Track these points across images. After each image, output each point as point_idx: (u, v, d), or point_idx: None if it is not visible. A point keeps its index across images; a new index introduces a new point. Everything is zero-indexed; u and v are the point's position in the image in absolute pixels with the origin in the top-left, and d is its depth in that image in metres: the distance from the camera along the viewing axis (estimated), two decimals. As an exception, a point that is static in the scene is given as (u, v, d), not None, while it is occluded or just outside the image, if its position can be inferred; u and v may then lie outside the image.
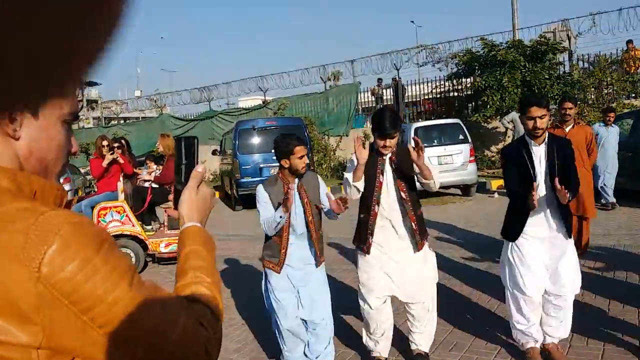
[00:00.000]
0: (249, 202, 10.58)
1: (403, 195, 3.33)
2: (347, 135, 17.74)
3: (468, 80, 15.97)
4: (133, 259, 6.75)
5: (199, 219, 1.07)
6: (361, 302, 3.46)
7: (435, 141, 11.69)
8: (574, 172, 3.39)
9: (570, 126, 5.56)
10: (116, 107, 31.76)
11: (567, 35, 14.68)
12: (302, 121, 13.84)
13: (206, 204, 1.09)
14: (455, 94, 17.16)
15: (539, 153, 3.35)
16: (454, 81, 16.48)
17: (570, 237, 3.42)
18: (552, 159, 3.29)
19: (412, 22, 78.95)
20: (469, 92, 16.06)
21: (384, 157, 3.35)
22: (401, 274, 3.34)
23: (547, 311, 3.44)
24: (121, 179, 6.93)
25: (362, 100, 19.85)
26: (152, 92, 27.37)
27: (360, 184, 3.30)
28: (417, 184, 3.46)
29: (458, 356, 3.61)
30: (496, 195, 11.37)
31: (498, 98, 13.54)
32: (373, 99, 19.81)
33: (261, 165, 12.18)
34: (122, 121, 29.52)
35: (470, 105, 16.18)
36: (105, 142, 7.06)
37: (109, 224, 6.64)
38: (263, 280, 3.44)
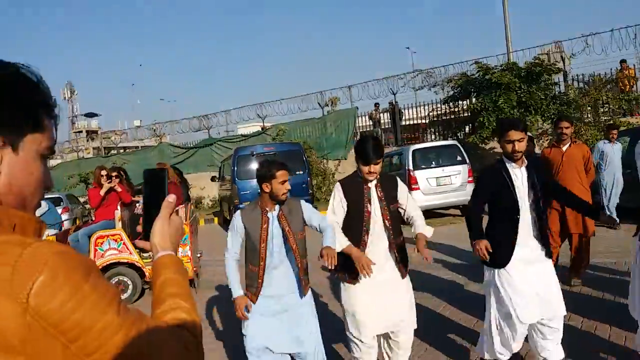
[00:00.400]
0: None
1: (387, 223, 3.29)
2: (345, 159, 17.80)
3: (464, 102, 16.10)
4: (130, 287, 6.69)
5: (172, 247, 1.07)
6: (350, 337, 3.33)
7: (434, 163, 11.72)
8: (558, 184, 3.48)
9: (567, 145, 5.58)
10: (115, 137, 31.97)
11: (561, 56, 14.87)
12: (300, 146, 13.92)
13: (178, 233, 1.10)
14: (452, 116, 17.28)
15: (520, 175, 3.36)
16: (451, 104, 16.62)
17: (550, 257, 3.42)
18: (532, 180, 3.33)
19: (408, 48, 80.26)
20: (466, 114, 16.17)
21: (370, 185, 3.31)
22: (391, 303, 3.26)
23: (544, 336, 3.34)
24: (119, 207, 6.92)
25: (360, 125, 19.99)
26: (151, 121, 27.54)
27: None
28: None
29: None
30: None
31: (494, 119, 13.62)
32: (371, 123, 19.94)
33: (259, 191, 12.18)
34: (121, 150, 29.66)
35: (467, 127, 16.27)
36: (104, 172, 7.07)
37: (106, 252, 6.60)
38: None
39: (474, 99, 14.98)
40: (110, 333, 0.76)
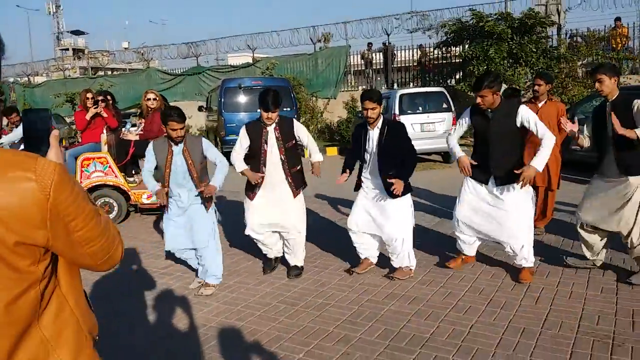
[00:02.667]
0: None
1: (282, 157, 4.43)
2: (334, 98, 17.77)
3: (457, 49, 16.00)
4: (115, 209, 6.94)
5: None
6: (247, 231, 4.67)
7: (420, 108, 11.84)
8: (407, 150, 4.36)
9: (543, 102, 5.76)
10: (103, 58, 31.22)
11: (557, 9, 14.71)
12: (288, 82, 13.89)
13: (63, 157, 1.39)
14: (444, 62, 17.21)
15: (372, 136, 4.39)
16: (443, 49, 16.51)
17: (393, 197, 4.33)
18: (381, 140, 4.32)
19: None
20: (457, 61, 16.12)
21: (268, 129, 4.40)
22: (280, 212, 4.49)
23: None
24: (105, 130, 7.03)
25: (352, 64, 19.79)
26: (139, 44, 26.87)
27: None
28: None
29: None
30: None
31: (484, 69, 13.63)
32: (362, 63, 19.76)
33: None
34: (109, 72, 29.09)
35: (458, 74, 16.25)
36: (89, 95, 7.11)
37: (92, 174, 6.79)
38: None
39: (466, 46, 14.90)
40: (91, 217, 1.17)
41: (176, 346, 3.46)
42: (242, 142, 4.50)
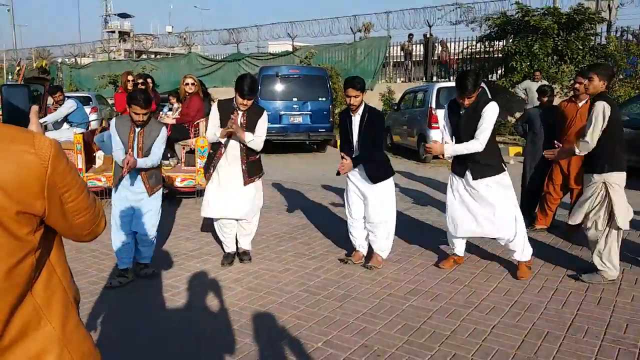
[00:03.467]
0: (267, 146, 10.82)
1: (242, 144, 4.49)
2: (371, 90, 17.64)
3: (500, 43, 15.62)
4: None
5: None
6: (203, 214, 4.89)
7: (457, 103, 11.64)
8: (376, 139, 4.59)
9: (584, 101, 5.55)
10: (147, 41, 31.84)
11: (609, 5, 14.15)
12: (325, 72, 13.84)
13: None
14: (486, 56, 16.83)
15: (355, 122, 4.55)
16: (486, 43, 16.13)
17: (374, 182, 4.53)
18: (361, 127, 4.50)
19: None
20: (500, 56, 15.74)
21: (238, 112, 4.47)
22: (232, 197, 4.58)
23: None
24: (143, 113, 7.19)
25: (392, 55, 19.57)
26: (182, 29, 27.29)
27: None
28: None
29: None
30: (512, 162, 11.40)
31: (527, 64, 13.28)
32: (402, 54, 19.51)
33: (281, 113, 12.34)
34: (152, 56, 29.68)
35: (500, 69, 15.88)
36: (130, 78, 7.30)
37: (129, 155, 6.96)
38: None
39: (510, 41, 14.52)
40: (82, 189, 1.28)
41: (199, 329, 3.55)
42: (214, 120, 4.55)
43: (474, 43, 16.81)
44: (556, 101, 6.47)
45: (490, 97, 4.49)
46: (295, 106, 12.35)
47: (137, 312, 3.79)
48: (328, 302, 3.95)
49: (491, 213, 4.34)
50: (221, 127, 4.44)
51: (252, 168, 4.64)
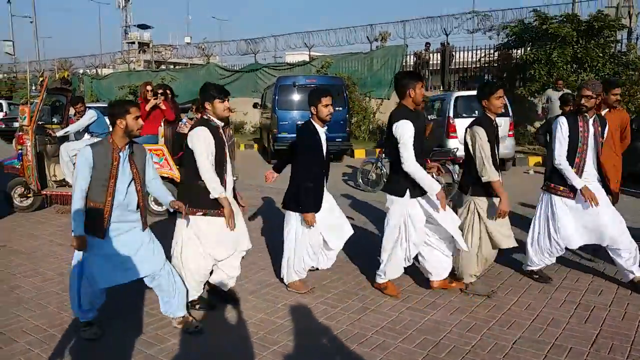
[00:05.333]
0: (284, 156, 10.85)
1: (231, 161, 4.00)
2: (388, 99, 17.62)
3: (518, 51, 15.49)
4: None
5: None
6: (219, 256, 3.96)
7: (476, 112, 11.54)
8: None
9: (606, 110, 5.48)
10: (166, 52, 32.27)
11: (629, 12, 13.96)
12: (342, 81, 13.86)
13: None
14: (504, 64, 16.70)
15: (323, 134, 4.20)
16: (504, 51, 16.00)
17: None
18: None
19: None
20: (518, 64, 15.61)
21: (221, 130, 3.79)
22: (239, 228, 3.93)
23: None
24: (162, 124, 7.27)
25: (409, 64, 19.54)
26: (201, 40, 27.64)
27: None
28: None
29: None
30: (531, 172, 11.28)
31: (545, 73, 13.14)
32: (419, 63, 19.45)
33: (298, 122, 12.35)
34: (171, 66, 30.06)
35: (518, 77, 15.75)
36: (149, 88, 7.38)
37: (148, 166, 7.02)
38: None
39: (528, 49, 14.39)
40: None
41: (217, 341, 3.55)
42: (210, 151, 3.71)
43: (492, 52, 16.71)
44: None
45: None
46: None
47: (154, 322, 3.79)
48: (346, 314, 3.92)
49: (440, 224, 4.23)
50: (217, 154, 3.73)
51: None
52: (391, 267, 4.21)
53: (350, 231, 4.48)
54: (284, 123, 12.41)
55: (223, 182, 3.79)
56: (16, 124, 14.37)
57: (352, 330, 3.64)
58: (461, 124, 11.09)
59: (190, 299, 3.84)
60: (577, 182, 4.21)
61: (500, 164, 11.81)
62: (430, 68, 19.32)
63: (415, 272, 4.84)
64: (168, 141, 7.34)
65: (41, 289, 4.46)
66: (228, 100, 3.82)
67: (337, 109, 12.74)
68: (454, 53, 18.59)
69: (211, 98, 3.73)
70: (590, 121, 4.36)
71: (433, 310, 3.99)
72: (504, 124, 11.11)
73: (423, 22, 18.66)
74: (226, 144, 3.84)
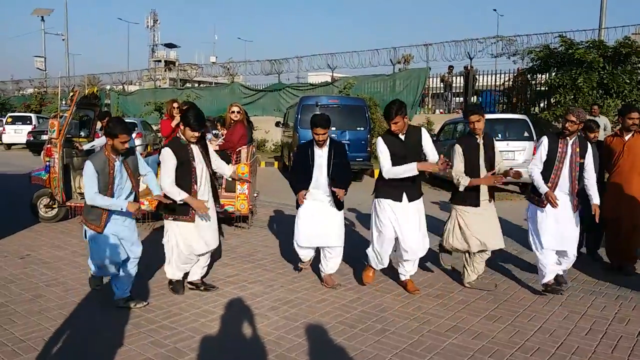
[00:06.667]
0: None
1: (210, 172, 4.68)
2: (410, 121, 17.50)
3: (543, 76, 15.40)
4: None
5: None
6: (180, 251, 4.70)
7: (499, 135, 11.46)
8: (346, 168, 4.86)
9: (630, 134, 5.45)
10: (191, 71, 32.88)
11: (657, 38, 13.80)
12: (364, 102, 13.92)
13: None
14: (529, 89, 16.60)
15: (321, 154, 4.76)
16: (528, 76, 15.93)
17: (339, 209, 4.89)
18: (329, 158, 4.75)
19: (495, 10, 76.13)
20: (542, 89, 15.50)
21: (191, 147, 4.49)
22: (210, 228, 4.72)
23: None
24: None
25: (431, 86, 19.56)
26: (226, 59, 28.10)
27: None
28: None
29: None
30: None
31: (571, 98, 13.01)
32: (442, 85, 19.47)
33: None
34: (195, 85, 30.61)
35: (543, 102, 15.62)
36: (175, 105, 7.51)
37: (171, 181, 7.10)
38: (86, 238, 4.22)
39: (553, 74, 14.29)
40: None
41: (235, 357, 3.53)
42: (172, 163, 4.45)
43: (512, 76, 16.63)
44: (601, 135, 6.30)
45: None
46: (333, 135, 12.39)
47: (173, 336, 3.79)
48: (365, 335, 3.87)
49: (416, 230, 4.78)
50: (179, 164, 4.46)
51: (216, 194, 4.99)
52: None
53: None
54: (303, 142, 12.46)
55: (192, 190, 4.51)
56: (44, 137, 14.70)
57: (371, 352, 3.58)
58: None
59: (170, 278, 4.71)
60: (543, 188, 4.66)
61: (523, 188, 11.70)
62: (453, 91, 19.32)
63: (437, 295, 4.78)
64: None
65: (63, 299, 4.51)
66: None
67: (358, 128, 12.93)
68: (477, 77, 18.57)
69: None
70: (570, 142, 4.74)
71: (454, 334, 3.91)
72: (527, 148, 11.00)
73: (447, 45, 18.73)
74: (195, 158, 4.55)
